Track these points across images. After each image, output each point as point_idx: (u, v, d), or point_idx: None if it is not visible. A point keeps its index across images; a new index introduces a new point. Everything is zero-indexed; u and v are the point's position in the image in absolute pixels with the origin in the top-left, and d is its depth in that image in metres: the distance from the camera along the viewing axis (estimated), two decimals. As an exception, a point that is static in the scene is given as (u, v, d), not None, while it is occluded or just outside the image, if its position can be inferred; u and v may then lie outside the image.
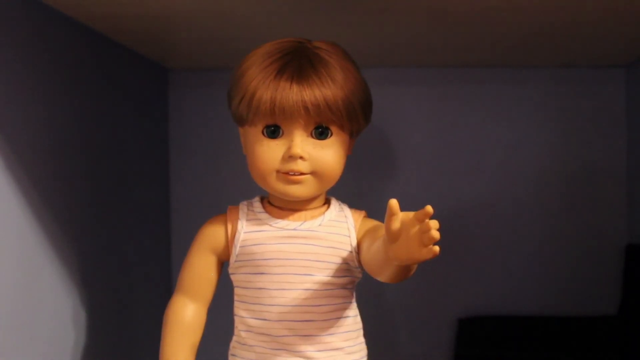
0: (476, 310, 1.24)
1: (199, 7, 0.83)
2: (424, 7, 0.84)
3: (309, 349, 0.76)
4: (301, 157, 0.72)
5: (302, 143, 0.72)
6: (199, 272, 0.79)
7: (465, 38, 1.00)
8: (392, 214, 0.61)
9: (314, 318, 0.76)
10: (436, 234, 0.59)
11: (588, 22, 0.92)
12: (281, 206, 0.78)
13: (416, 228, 0.60)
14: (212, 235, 0.79)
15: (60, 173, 0.84)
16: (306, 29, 0.90)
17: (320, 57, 0.73)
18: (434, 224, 0.59)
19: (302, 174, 0.73)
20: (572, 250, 1.24)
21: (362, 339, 0.81)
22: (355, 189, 1.22)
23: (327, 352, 0.76)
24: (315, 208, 0.78)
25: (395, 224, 0.61)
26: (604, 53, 1.13)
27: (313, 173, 0.74)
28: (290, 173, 0.73)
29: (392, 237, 0.62)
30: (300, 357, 0.76)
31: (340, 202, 0.81)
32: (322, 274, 0.75)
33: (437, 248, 0.60)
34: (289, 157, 0.72)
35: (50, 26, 0.82)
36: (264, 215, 0.77)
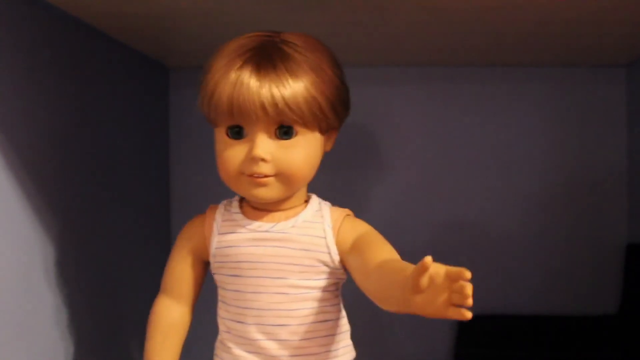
0: (476, 310, 1.23)
1: (201, 6, 0.83)
2: (423, 6, 0.84)
3: (283, 354, 0.74)
4: (263, 159, 0.69)
5: (264, 144, 0.69)
6: (180, 272, 0.78)
7: (464, 37, 1.01)
8: (424, 271, 0.55)
9: (289, 322, 0.73)
10: (469, 301, 0.53)
11: (588, 22, 0.92)
12: (256, 206, 0.75)
13: (442, 280, 0.54)
14: (191, 236, 0.78)
15: (60, 171, 0.84)
16: (306, 27, 0.90)
17: (283, 52, 0.69)
18: (469, 288, 0.53)
19: (266, 176, 0.70)
20: (572, 250, 1.24)
21: (346, 343, 0.78)
22: (353, 188, 1.22)
23: (302, 358, 0.74)
24: (291, 208, 0.75)
25: (424, 281, 0.55)
26: (604, 53, 1.13)
27: (278, 175, 0.70)
28: (255, 175, 0.70)
29: (417, 291, 0.56)
30: None
31: (321, 201, 0.77)
32: (296, 277, 0.73)
33: (469, 313, 0.54)
34: (251, 159, 0.69)
35: (51, 24, 0.82)
36: (239, 216, 0.75)
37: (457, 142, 1.25)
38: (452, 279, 0.54)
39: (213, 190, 1.25)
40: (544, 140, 1.24)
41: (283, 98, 0.67)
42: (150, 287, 1.13)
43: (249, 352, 0.74)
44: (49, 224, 0.80)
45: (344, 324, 0.78)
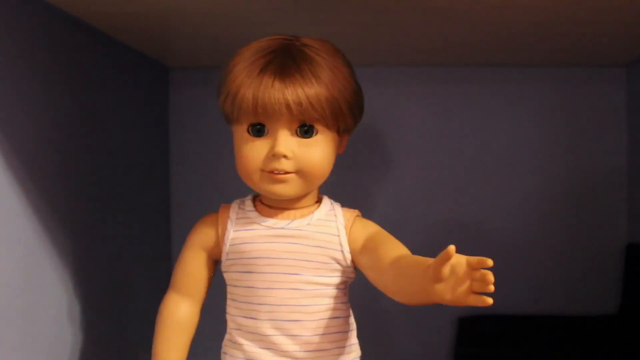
0: (477, 309, 1.24)
1: (200, 5, 0.83)
2: (423, 6, 0.84)
3: (296, 349, 0.75)
4: (285, 156, 0.71)
5: (286, 141, 0.72)
6: (191, 270, 0.79)
7: (464, 37, 1.01)
8: (446, 259, 0.58)
9: (302, 318, 0.75)
10: (491, 288, 0.56)
11: (588, 22, 0.92)
12: (271, 205, 0.77)
13: (464, 270, 0.58)
14: (204, 233, 0.79)
15: (60, 171, 0.84)
16: (306, 28, 0.90)
17: (305, 55, 0.72)
18: (491, 276, 0.56)
19: (286, 172, 0.72)
20: (572, 249, 1.24)
21: (354, 341, 0.79)
22: (352, 188, 1.22)
23: (314, 353, 0.75)
24: (305, 207, 0.77)
25: (446, 270, 0.59)
26: (604, 53, 1.13)
27: (298, 172, 0.73)
28: (275, 172, 0.72)
29: (438, 280, 0.59)
30: (287, 357, 0.75)
31: (332, 201, 0.80)
32: (310, 274, 0.75)
33: (490, 300, 0.57)
34: (273, 155, 0.72)
35: (51, 24, 0.82)
36: (254, 214, 0.77)
37: (456, 142, 1.25)
38: (473, 268, 0.57)
39: (213, 190, 1.26)
40: (544, 140, 1.24)
41: (307, 97, 0.70)
42: (150, 285, 1.14)
43: (262, 348, 0.76)
44: (49, 224, 0.80)
45: (352, 322, 0.80)
